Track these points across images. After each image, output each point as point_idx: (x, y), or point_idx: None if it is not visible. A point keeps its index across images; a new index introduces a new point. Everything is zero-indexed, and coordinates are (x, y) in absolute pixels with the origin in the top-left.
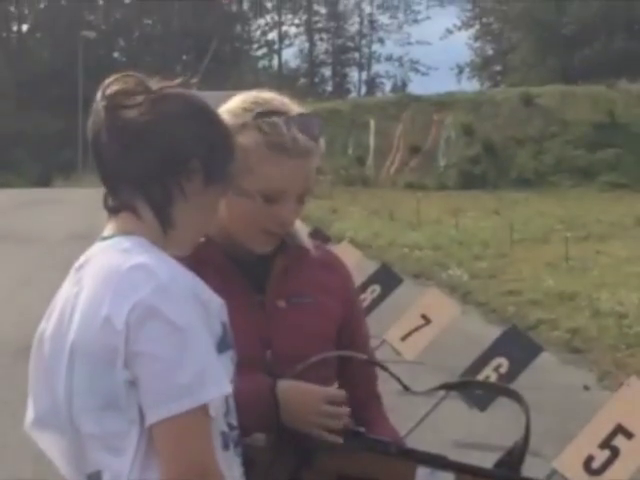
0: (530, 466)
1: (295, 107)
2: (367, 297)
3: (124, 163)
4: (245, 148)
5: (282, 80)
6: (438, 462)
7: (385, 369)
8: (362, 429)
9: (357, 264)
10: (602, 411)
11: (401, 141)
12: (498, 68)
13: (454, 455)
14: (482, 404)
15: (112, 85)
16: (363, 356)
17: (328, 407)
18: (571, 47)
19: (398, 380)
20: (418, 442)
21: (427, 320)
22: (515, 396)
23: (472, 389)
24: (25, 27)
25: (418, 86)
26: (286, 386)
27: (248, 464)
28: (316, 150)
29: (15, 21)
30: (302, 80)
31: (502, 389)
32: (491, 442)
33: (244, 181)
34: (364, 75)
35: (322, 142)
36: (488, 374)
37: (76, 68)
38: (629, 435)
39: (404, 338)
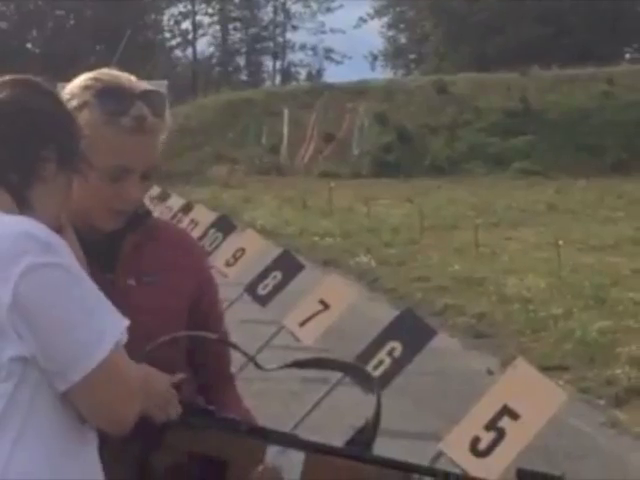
0: (419, 448)
1: (139, 84)
2: (269, 283)
3: None
4: (86, 126)
5: (196, 69)
6: (288, 441)
7: (237, 348)
8: (212, 408)
9: (260, 251)
10: (489, 393)
11: (315, 130)
12: (412, 56)
13: None
14: (374, 390)
15: None
16: (213, 336)
17: (170, 393)
18: (483, 35)
19: (252, 359)
20: (316, 427)
21: (325, 305)
22: (364, 374)
23: (325, 367)
24: None
25: (333, 75)
26: None
27: (101, 445)
28: (160, 127)
29: None
30: (217, 69)
31: (353, 367)
32: (390, 427)
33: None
34: (279, 64)
35: (168, 118)
36: (382, 358)
37: None
38: (515, 416)
39: (302, 324)
